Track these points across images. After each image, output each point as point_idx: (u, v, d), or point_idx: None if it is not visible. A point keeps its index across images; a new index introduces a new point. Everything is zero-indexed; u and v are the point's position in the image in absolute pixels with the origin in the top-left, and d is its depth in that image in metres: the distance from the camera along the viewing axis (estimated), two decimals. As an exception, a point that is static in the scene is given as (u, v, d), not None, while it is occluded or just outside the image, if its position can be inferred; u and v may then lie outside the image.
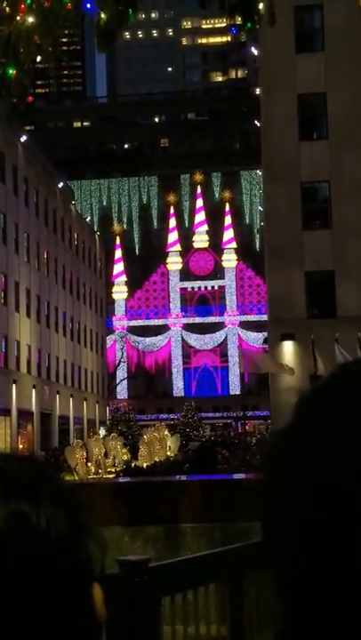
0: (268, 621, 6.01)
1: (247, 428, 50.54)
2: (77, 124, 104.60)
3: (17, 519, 0.81)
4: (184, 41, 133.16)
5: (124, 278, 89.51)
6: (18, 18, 6.89)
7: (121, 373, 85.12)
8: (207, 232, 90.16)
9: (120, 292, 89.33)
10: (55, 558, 0.81)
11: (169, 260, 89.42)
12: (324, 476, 0.69)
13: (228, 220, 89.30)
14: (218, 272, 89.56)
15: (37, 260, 59.56)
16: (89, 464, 26.79)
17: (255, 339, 79.32)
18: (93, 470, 26.71)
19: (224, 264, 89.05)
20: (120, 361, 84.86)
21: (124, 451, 30.18)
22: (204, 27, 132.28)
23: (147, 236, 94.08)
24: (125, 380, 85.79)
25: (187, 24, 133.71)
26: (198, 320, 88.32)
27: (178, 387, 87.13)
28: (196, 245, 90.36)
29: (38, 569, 0.80)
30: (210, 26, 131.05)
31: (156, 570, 4.92)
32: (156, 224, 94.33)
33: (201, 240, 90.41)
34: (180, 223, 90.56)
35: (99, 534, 0.84)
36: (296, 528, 0.69)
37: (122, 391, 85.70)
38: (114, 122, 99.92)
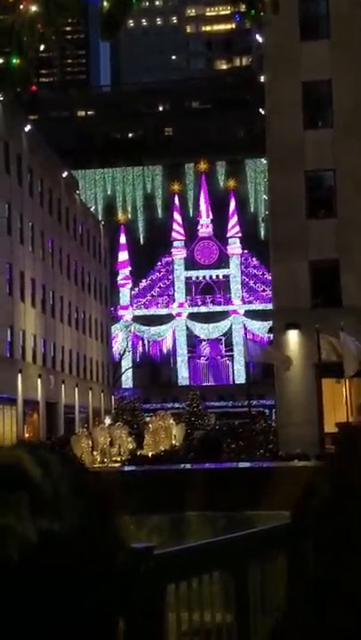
0: (272, 609, 6.04)
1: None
2: (81, 114, 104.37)
3: (45, 538, 0.77)
4: (188, 29, 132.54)
5: (128, 268, 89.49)
6: (21, 6, 6.88)
7: (126, 363, 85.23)
8: (212, 221, 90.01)
9: (125, 281, 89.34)
10: (82, 579, 0.78)
11: (173, 249, 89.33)
12: None
13: (232, 208, 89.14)
14: (222, 261, 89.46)
15: (42, 249, 59.57)
16: (94, 453, 26.86)
17: (260, 328, 79.28)
18: (99, 459, 26.78)
19: (229, 253, 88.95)
20: (125, 350, 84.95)
21: (130, 440, 30.24)
22: (208, 14, 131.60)
23: (151, 226, 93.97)
24: (130, 370, 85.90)
25: (191, 12, 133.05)
26: (203, 309, 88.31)
27: (183, 376, 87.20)
28: (200, 234, 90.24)
29: (63, 589, 0.77)
30: (214, 13, 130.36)
31: (161, 557, 4.94)
32: (160, 213, 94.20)
33: (205, 229, 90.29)
34: (184, 212, 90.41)
35: (129, 548, 0.82)
36: None
37: (127, 380, 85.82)
38: (118, 111, 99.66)
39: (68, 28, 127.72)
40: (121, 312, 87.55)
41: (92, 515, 0.82)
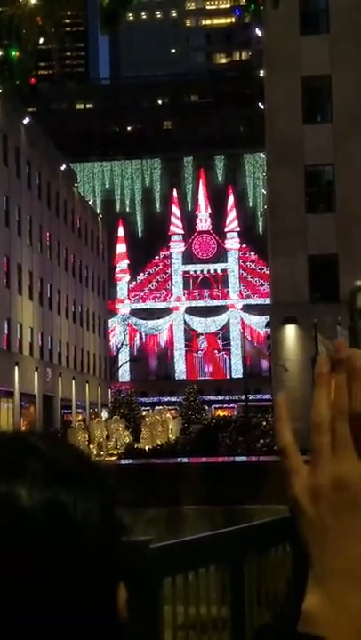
0: (268, 603, 6.06)
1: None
2: (80, 106, 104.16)
3: (53, 508, 0.79)
4: (188, 22, 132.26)
5: (126, 261, 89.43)
6: (21, -1, 6.86)
7: (123, 356, 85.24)
8: (210, 215, 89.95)
9: (123, 275, 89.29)
10: (86, 553, 0.79)
11: (172, 243, 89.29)
12: None
13: (231, 203, 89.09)
14: (221, 255, 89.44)
15: (40, 242, 59.52)
16: (91, 446, 26.89)
17: (258, 322, 79.33)
18: (95, 453, 26.81)
19: (227, 247, 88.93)
20: (122, 344, 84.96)
21: (126, 433, 30.27)
22: (208, 8, 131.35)
23: (149, 219, 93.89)
24: (127, 363, 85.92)
25: (190, 5, 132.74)
26: (201, 303, 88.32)
27: (180, 370, 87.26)
28: (198, 229, 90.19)
29: (67, 561, 0.78)
30: (214, 7, 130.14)
31: (157, 551, 4.95)
32: (158, 207, 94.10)
33: (204, 223, 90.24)
34: (182, 206, 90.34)
35: (132, 534, 0.84)
36: None
37: (124, 374, 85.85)
38: (117, 104, 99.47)
39: (67, 21, 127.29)
40: (118, 305, 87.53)
41: (100, 489, 0.83)
